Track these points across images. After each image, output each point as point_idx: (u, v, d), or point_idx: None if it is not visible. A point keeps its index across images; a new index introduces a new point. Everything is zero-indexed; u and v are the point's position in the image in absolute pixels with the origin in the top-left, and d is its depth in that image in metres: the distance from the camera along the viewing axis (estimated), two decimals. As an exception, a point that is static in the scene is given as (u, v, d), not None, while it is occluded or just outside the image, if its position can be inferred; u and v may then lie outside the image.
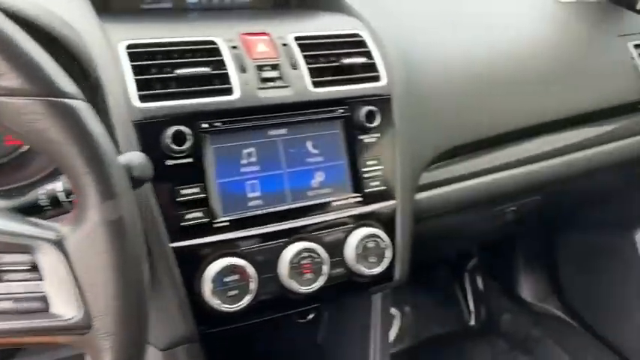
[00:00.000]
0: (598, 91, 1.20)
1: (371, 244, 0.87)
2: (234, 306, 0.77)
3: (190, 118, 0.77)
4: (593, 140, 1.20)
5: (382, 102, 0.90)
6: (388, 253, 0.88)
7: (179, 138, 0.75)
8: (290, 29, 0.89)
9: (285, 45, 0.86)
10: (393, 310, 1.85)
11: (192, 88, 0.78)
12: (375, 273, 0.87)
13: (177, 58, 0.80)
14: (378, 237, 0.87)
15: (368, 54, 0.92)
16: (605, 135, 1.22)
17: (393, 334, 1.83)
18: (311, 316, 1.09)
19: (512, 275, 1.91)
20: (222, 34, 0.85)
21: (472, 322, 1.91)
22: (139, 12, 0.99)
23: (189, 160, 0.77)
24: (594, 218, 1.69)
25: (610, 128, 1.23)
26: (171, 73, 0.78)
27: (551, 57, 1.17)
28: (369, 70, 0.91)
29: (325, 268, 0.83)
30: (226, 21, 0.93)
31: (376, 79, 0.91)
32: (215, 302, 0.76)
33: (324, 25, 0.95)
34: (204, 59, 0.81)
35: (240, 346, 1.08)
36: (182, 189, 0.76)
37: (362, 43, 0.93)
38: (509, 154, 1.11)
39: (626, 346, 1.62)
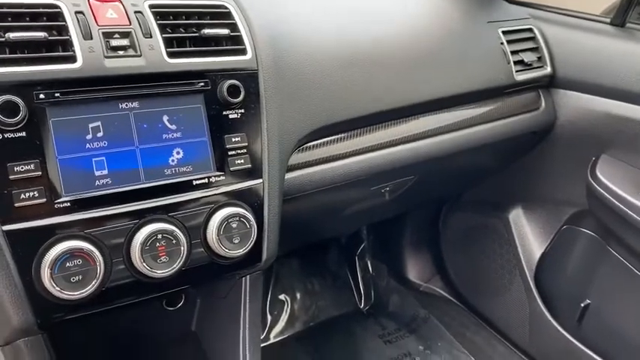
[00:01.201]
0: (469, 74, 1.24)
1: (235, 224, 0.83)
2: (78, 293, 0.71)
3: (23, 87, 0.69)
4: (463, 122, 1.24)
5: (247, 76, 0.86)
6: (254, 234, 0.85)
7: (10, 109, 0.68)
8: (146, -4, 0.83)
9: (139, 13, 0.80)
10: (283, 296, 1.84)
11: (28, 55, 0.71)
12: (240, 254, 0.84)
13: (10, 21, 0.72)
14: (243, 217, 0.84)
15: (233, 26, 0.88)
16: (476, 117, 1.26)
17: (283, 319, 1.81)
18: (181, 304, 1.03)
19: (399, 258, 1.97)
20: (68, -2, 0.77)
21: (362, 305, 1.94)
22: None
23: (22, 134, 0.69)
24: (473, 200, 1.76)
25: (480, 111, 1.27)
26: (2, 37, 0.70)
27: (424, 41, 1.19)
28: (233, 43, 0.87)
29: (183, 251, 0.78)
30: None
31: (241, 52, 0.87)
32: (55, 290, 0.70)
33: (185, -6, 0.90)
34: (45, 24, 0.74)
35: (104, 333, 1.01)
36: (15, 166, 0.69)
37: (227, 15, 0.88)
38: (382, 134, 1.12)
39: (501, 321, 1.71)
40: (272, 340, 1.76)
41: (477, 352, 1.68)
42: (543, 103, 1.39)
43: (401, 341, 1.75)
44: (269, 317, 1.79)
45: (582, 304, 1.44)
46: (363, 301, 1.95)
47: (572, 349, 1.45)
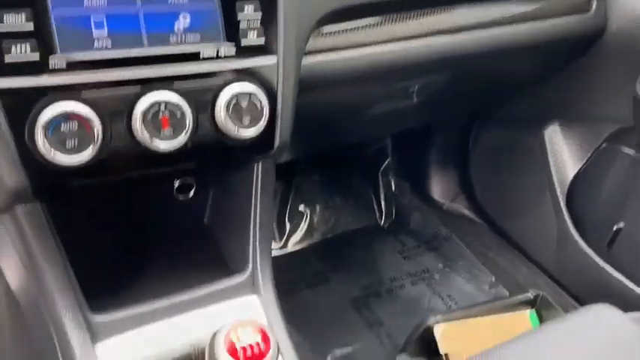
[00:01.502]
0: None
1: (245, 103, 0.77)
2: (74, 157, 0.66)
3: None
4: (505, 19, 1.12)
5: (261, -62, 0.77)
6: (265, 114, 0.79)
7: (-5, -50, 0.61)
8: None
9: None
10: (303, 208, 1.81)
11: None
12: (249, 136, 0.78)
13: None
14: (254, 95, 0.77)
15: None
16: (519, 14, 1.14)
17: (302, 229, 1.79)
18: (192, 193, 1.00)
19: (423, 175, 1.90)
20: None
21: (382, 222, 1.90)
22: None
23: (11, -19, 0.63)
24: (505, 115, 1.67)
25: (523, 8, 1.15)
26: None
27: None
28: None
29: (188, 125, 0.73)
30: None
31: None
32: (50, 153, 0.65)
33: None
34: None
35: (112, 219, 0.99)
36: (3, 15, 0.63)
37: None
38: (414, 24, 1.02)
39: (527, 242, 1.65)
40: (290, 249, 1.75)
41: (499, 272, 1.63)
42: (594, 5, 1.26)
43: (420, 258, 1.72)
44: (288, 226, 1.77)
45: (615, 227, 1.37)
46: (383, 218, 1.91)
47: (600, 272, 1.39)
